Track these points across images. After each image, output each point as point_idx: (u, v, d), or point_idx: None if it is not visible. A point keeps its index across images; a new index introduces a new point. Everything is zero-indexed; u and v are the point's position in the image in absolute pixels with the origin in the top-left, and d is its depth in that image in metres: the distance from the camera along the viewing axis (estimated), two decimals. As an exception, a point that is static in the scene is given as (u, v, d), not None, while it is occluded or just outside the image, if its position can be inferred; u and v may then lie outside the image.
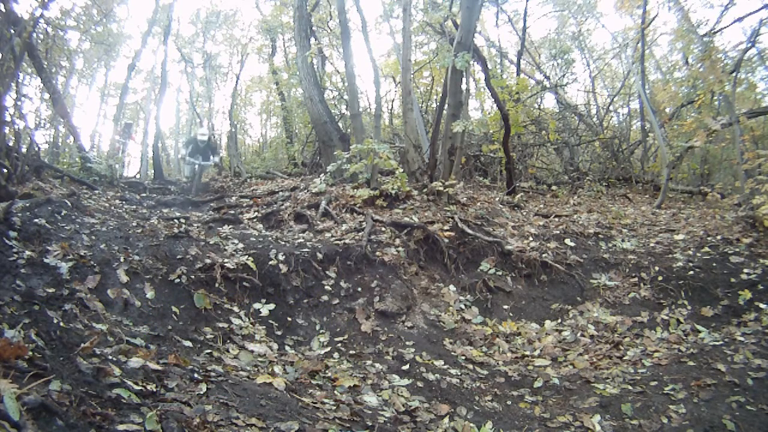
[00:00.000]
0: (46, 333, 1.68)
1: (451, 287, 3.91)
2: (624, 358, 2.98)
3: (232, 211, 5.14)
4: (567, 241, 4.56)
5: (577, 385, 2.67)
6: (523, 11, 10.02)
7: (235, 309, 2.85)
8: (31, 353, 1.43)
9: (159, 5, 11.14)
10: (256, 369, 2.27)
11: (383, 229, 4.23)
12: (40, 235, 2.62)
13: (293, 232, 4.41)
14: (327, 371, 2.47)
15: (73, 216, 3.21)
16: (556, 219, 5.38)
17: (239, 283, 3.02)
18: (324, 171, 5.89)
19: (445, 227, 4.46)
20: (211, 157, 7.80)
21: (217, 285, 2.90)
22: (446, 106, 5.96)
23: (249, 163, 12.00)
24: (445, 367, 2.82)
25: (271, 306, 3.01)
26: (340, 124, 8.52)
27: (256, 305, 2.98)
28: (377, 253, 3.78)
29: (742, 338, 2.90)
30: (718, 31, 8.58)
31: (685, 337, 3.13)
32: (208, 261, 3.01)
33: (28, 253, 2.32)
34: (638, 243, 4.57)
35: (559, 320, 3.62)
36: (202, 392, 1.72)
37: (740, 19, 7.81)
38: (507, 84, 7.79)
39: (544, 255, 4.19)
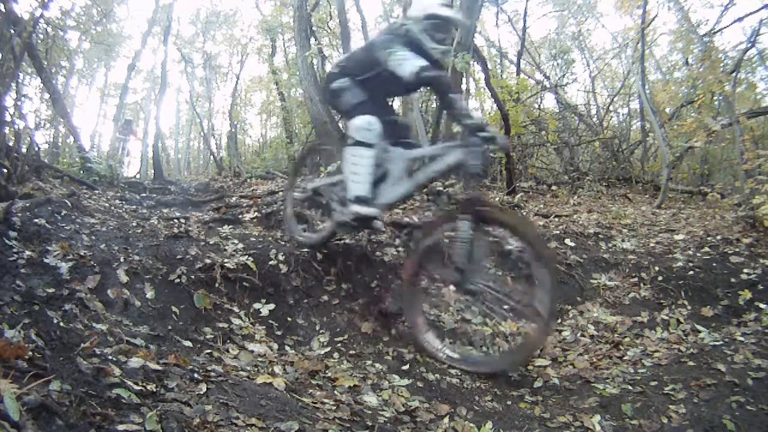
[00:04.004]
0: (46, 333, 1.68)
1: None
2: (624, 358, 2.97)
3: (232, 211, 5.14)
4: (567, 241, 4.56)
5: (577, 385, 2.67)
6: (523, 11, 10.05)
7: (235, 309, 2.85)
8: (31, 353, 1.43)
9: (159, 5, 11.18)
10: (256, 369, 2.26)
11: (383, 229, 4.23)
12: (40, 235, 2.62)
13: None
14: (327, 371, 2.46)
15: (73, 216, 3.21)
16: (556, 219, 5.37)
17: (239, 283, 3.02)
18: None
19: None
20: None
21: (217, 285, 2.90)
22: (446, 106, 5.95)
23: (249, 163, 12.00)
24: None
25: (271, 306, 3.01)
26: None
27: (256, 305, 2.97)
28: (377, 253, 3.78)
29: (742, 338, 2.90)
30: (718, 31, 8.58)
31: (685, 337, 3.13)
32: (208, 261, 3.01)
33: (28, 253, 2.32)
34: (638, 243, 4.57)
35: (559, 320, 3.62)
36: (202, 392, 1.72)
37: (740, 19, 7.81)
38: (507, 84, 7.79)
39: (544, 255, 4.18)
